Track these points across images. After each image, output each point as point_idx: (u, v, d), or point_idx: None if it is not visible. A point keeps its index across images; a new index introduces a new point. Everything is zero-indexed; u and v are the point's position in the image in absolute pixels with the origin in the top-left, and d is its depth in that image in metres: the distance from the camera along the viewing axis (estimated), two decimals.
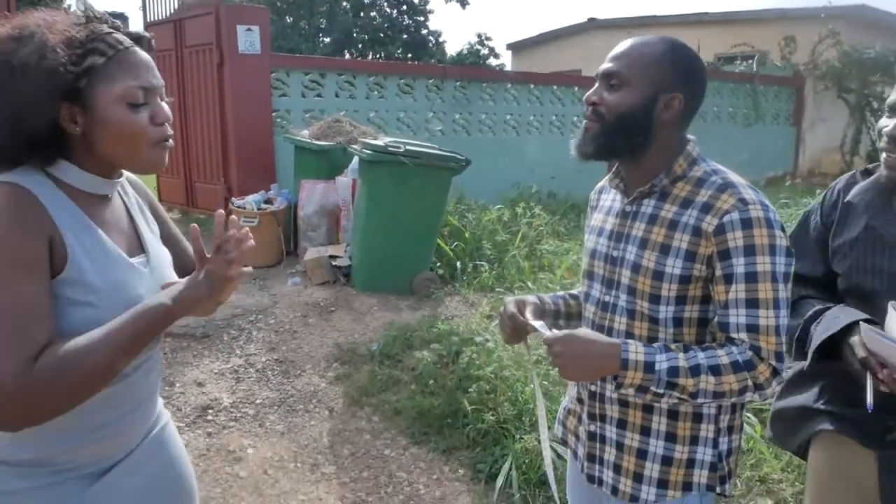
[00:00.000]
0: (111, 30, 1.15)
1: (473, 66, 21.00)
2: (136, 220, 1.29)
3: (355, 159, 5.30)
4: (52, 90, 1.07)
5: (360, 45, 24.13)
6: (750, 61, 11.40)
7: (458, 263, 5.41)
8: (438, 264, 5.45)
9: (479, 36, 26.89)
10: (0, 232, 1.02)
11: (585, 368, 1.34)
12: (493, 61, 23.82)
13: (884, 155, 1.46)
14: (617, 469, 1.47)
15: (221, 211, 1.16)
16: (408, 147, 4.86)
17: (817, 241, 1.62)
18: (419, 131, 7.71)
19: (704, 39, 13.50)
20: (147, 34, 1.23)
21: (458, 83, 7.93)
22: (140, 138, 1.15)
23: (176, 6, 7.57)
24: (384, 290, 5.05)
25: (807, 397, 1.59)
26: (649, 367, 1.29)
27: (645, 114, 1.39)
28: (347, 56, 24.36)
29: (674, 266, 1.36)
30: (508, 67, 24.80)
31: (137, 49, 1.17)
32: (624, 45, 1.43)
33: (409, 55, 24.02)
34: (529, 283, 5.01)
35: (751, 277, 1.31)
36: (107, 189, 1.20)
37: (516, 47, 23.74)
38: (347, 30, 23.00)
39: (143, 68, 1.15)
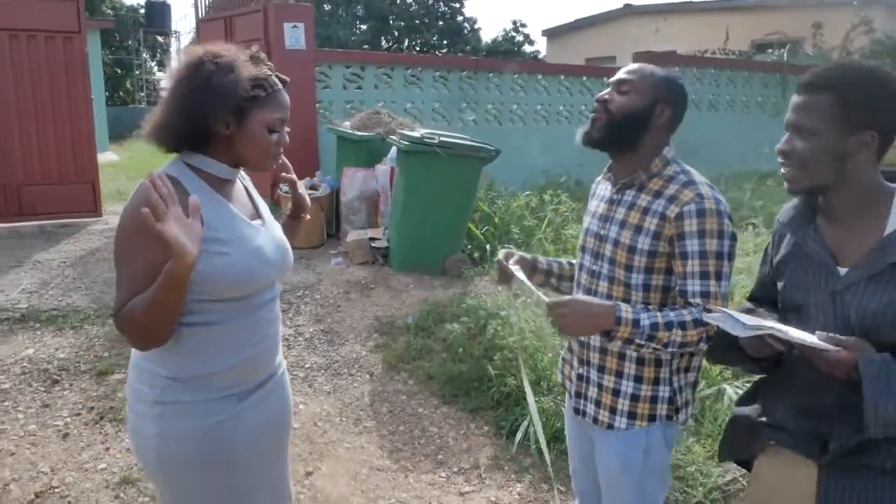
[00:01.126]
0: (270, 73, 1.61)
1: (507, 57, 21.23)
2: (252, 196, 1.76)
3: (393, 149, 5.73)
4: (230, 105, 1.53)
5: (396, 33, 24.52)
6: (781, 50, 11.52)
7: (488, 246, 5.82)
8: (469, 247, 5.87)
9: (514, 23, 27.08)
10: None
11: (585, 325, 1.72)
12: (527, 48, 24.05)
13: (781, 170, 1.54)
14: (597, 404, 1.89)
15: (195, 197, 1.49)
16: (442, 138, 5.28)
17: (769, 264, 1.70)
18: (453, 121, 8.12)
19: (738, 26, 13.62)
20: (287, 79, 1.68)
21: (490, 74, 8.31)
22: (267, 152, 1.62)
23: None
24: (419, 269, 5.49)
25: (753, 409, 1.66)
26: (636, 323, 1.69)
27: (645, 116, 1.79)
28: (384, 43, 24.80)
29: (644, 243, 1.77)
30: (543, 54, 24.99)
31: (283, 91, 1.63)
32: (633, 65, 1.84)
33: (445, 42, 24.33)
34: None
35: (703, 255, 1.71)
36: (231, 175, 1.66)
37: (551, 33, 23.86)
38: (384, 17, 23.40)
39: (284, 107, 1.62)
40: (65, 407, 3.57)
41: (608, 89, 1.85)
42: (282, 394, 1.83)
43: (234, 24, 7.58)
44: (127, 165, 12.76)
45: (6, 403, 3.56)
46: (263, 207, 1.77)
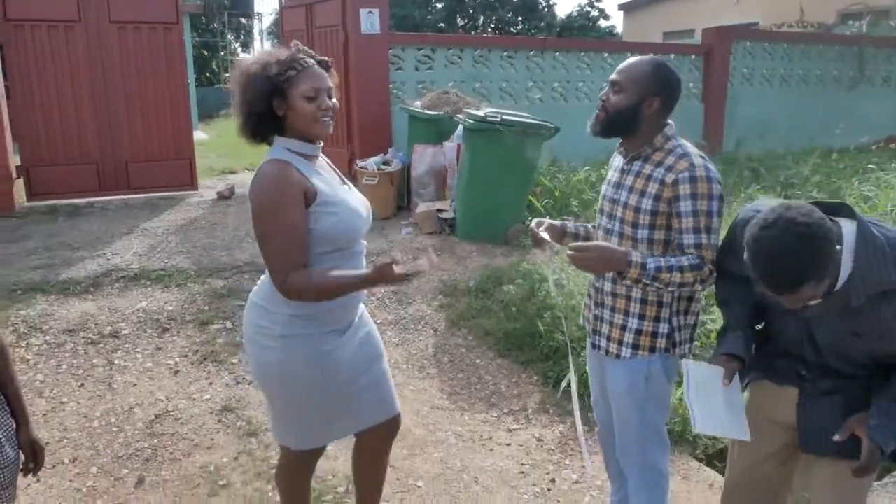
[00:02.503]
0: (303, 55, 2.03)
1: (581, 33, 21.17)
2: (333, 167, 2.21)
3: (460, 127, 6.16)
4: (270, 89, 1.95)
5: (471, 10, 24.74)
6: (861, 22, 11.26)
7: (548, 218, 6.17)
8: (530, 218, 6.24)
9: None
10: (279, 187, 1.93)
11: (603, 266, 2.11)
12: (602, 23, 23.86)
13: None
14: (608, 338, 2.29)
15: (433, 257, 2.03)
16: (504, 117, 5.66)
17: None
18: (520, 99, 8.45)
19: None
20: (328, 59, 2.11)
21: (556, 54, 8.59)
22: (314, 118, 2.02)
23: None
24: (482, 239, 5.92)
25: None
26: (644, 266, 2.07)
27: (634, 110, 2.16)
28: (459, 21, 25.09)
29: (646, 204, 2.14)
30: (620, 29, 24.76)
31: (316, 66, 2.03)
32: (624, 64, 2.21)
33: (520, 18, 24.40)
34: None
35: (695, 214, 2.08)
36: (314, 151, 2.09)
37: (628, 7, 23.56)
38: None
39: (317, 77, 2.01)
40: (174, 350, 4.20)
41: (607, 87, 2.23)
42: (369, 327, 2.29)
43: (315, 10, 8.12)
44: (215, 143, 13.62)
45: (127, 346, 4.21)
46: (344, 177, 2.21)
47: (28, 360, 3.98)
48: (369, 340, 2.26)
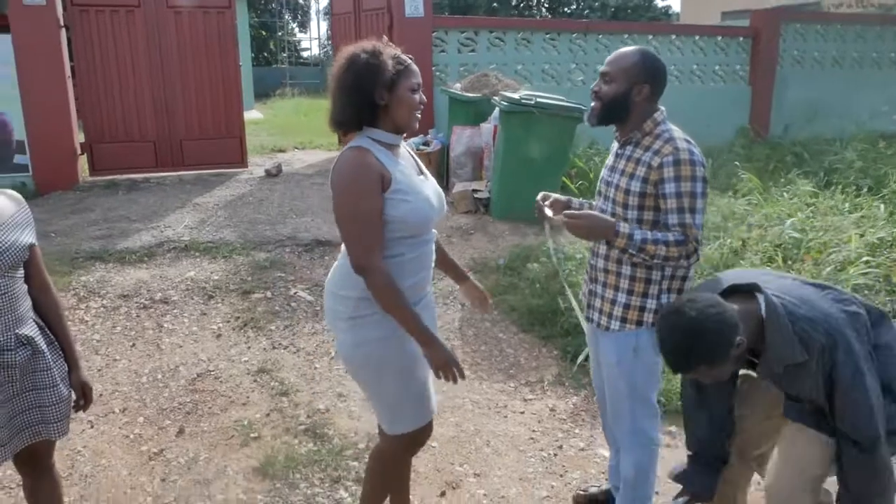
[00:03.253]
0: (401, 55, 2.14)
1: (636, 13, 20.88)
2: (414, 157, 2.32)
3: (497, 109, 6.31)
4: (386, 80, 2.07)
5: None
6: None
7: (581, 199, 6.30)
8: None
9: None
10: (359, 173, 2.02)
11: (593, 233, 2.28)
12: (658, 2, 23.41)
13: None
14: (600, 312, 2.46)
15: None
16: (539, 99, 5.80)
17: None
18: (562, 82, 8.53)
19: None
20: (412, 57, 2.18)
21: (599, 36, 8.62)
22: (413, 108, 2.16)
23: None
24: (515, 219, 6.09)
25: None
26: (630, 237, 2.23)
27: (625, 98, 2.32)
28: (513, 1, 24.99)
29: (635, 186, 2.30)
30: (678, 10, 24.29)
31: (413, 65, 2.16)
32: (612, 55, 2.36)
33: None
34: None
35: (679, 195, 2.22)
36: (397, 141, 2.18)
37: None
38: None
39: (417, 74, 2.16)
40: (218, 315, 4.52)
41: (598, 79, 2.38)
42: (431, 305, 2.39)
43: None
44: (269, 123, 14.03)
45: (175, 311, 4.55)
46: (422, 166, 2.32)
47: (86, 322, 4.35)
48: (433, 321, 2.36)
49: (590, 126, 2.47)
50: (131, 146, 7.56)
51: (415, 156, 2.33)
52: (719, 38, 9.30)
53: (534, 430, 3.51)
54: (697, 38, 9.25)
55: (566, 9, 23.83)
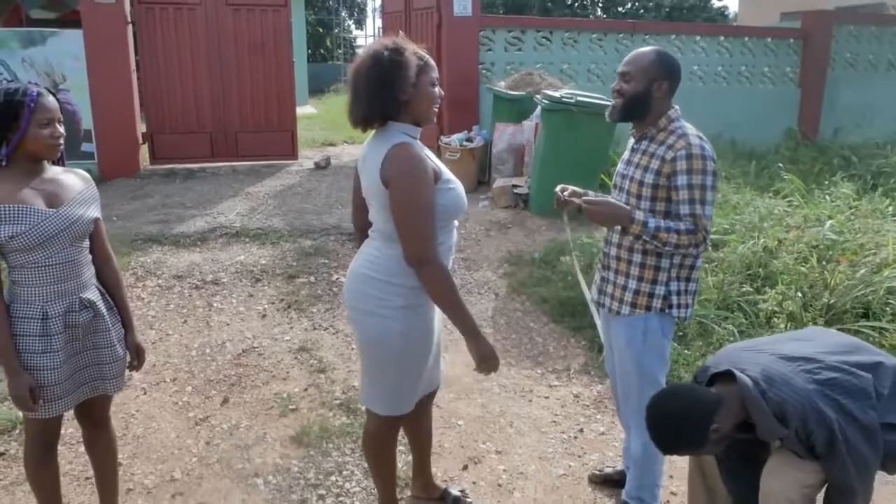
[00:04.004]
0: (420, 50, 2.26)
1: (691, 14, 20.62)
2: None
3: (539, 107, 6.44)
4: (412, 75, 2.17)
5: None
6: None
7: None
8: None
9: None
10: (420, 167, 2.09)
11: (610, 219, 2.43)
12: (715, 3, 23.06)
13: None
14: (612, 297, 2.60)
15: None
16: (578, 98, 5.91)
17: None
18: (608, 81, 8.57)
19: None
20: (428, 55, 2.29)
21: (646, 36, 8.65)
22: (433, 101, 2.28)
23: None
24: (553, 214, 6.20)
25: None
26: (645, 224, 2.37)
27: (646, 94, 2.45)
28: (569, 1, 24.94)
29: (648, 178, 2.43)
30: (735, 9, 23.88)
31: (431, 60, 2.27)
32: (630, 56, 2.50)
33: None
34: None
35: (690, 187, 2.35)
36: (417, 134, 2.22)
37: None
38: None
39: (435, 69, 2.28)
40: (264, 297, 4.78)
41: (618, 79, 2.51)
42: None
43: None
44: (323, 118, 14.40)
45: (224, 292, 4.83)
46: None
47: (143, 299, 4.66)
48: (439, 317, 2.45)
49: (611, 121, 2.61)
50: (189, 137, 7.94)
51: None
52: (769, 39, 9.21)
53: (556, 414, 3.65)
54: (746, 39, 9.19)
55: (620, 8, 23.68)
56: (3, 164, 2.16)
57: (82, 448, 2.92)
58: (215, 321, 4.45)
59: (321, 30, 30.99)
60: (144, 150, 7.93)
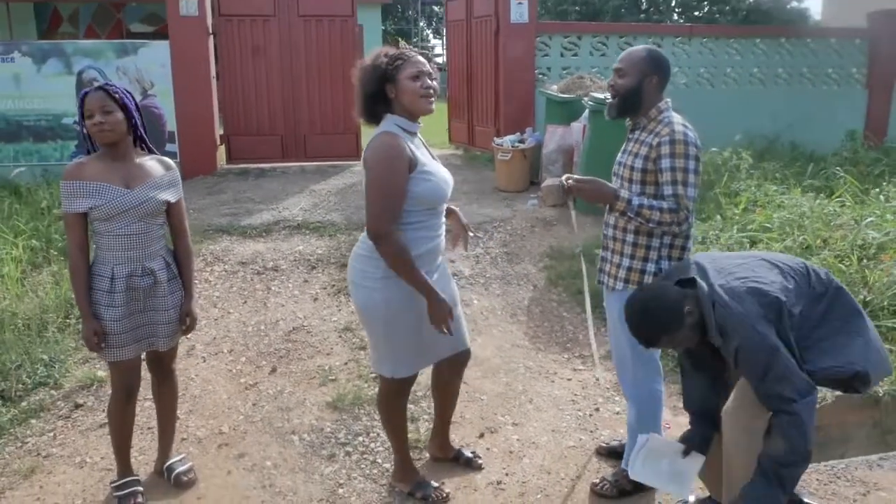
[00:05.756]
0: (407, 49, 2.61)
1: (768, 16, 20.13)
2: (426, 146, 2.75)
3: (587, 109, 6.64)
4: (381, 75, 2.52)
5: None
6: None
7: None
8: None
9: None
10: (391, 154, 2.42)
11: (597, 196, 2.67)
12: (795, 3, 22.42)
13: None
14: (608, 274, 2.84)
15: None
16: None
17: None
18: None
19: None
20: (426, 52, 2.67)
21: (704, 40, 8.69)
22: (415, 94, 2.57)
23: None
24: (598, 212, 6.37)
25: None
26: (629, 201, 2.60)
27: (638, 89, 2.69)
28: (644, 4, 24.74)
29: (637, 163, 2.67)
30: (819, 10, 23.15)
31: (419, 56, 2.60)
32: (624, 53, 2.74)
33: (706, 2, 23.57)
34: (719, 216, 5.96)
35: (674, 169, 2.58)
36: (414, 128, 2.63)
37: None
38: None
39: (420, 63, 2.57)
40: (317, 283, 5.19)
41: (613, 75, 2.75)
42: (448, 274, 2.83)
43: (473, 2, 8.88)
44: None
45: (282, 277, 5.27)
46: (433, 153, 2.76)
47: (210, 281, 5.15)
48: (447, 289, 2.72)
49: (610, 119, 2.85)
50: (262, 139, 8.51)
51: (426, 145, 2.75)
52: (833, 39, 9.07)
53: (576, 394, 3.88)
54: (809, 40, 9.07)
55: (696, 13, 23.32)
56: (93, 149, 2.69)
57: (147, 403, 3.37)
58: (272, 302, 4.89)
59: (400, 39, 31.65)
60: (221, 151, 8.55)
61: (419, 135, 2.70)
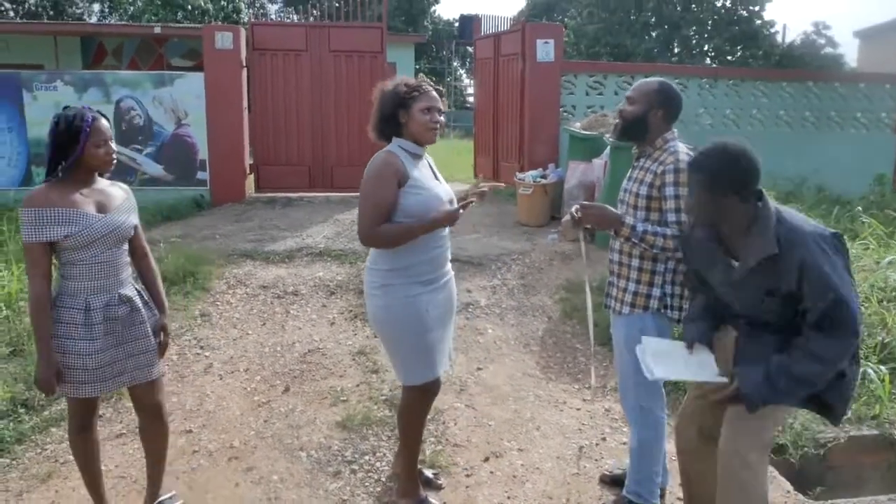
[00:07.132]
0: (424, 83, 2.79)
1: (801, 62, 20.17)
2: (433, 168, 2.92)
3: (608, 146, 6.73)
4: (398, 102, 2.71)
5: (687, 39, 24.50)
6: None
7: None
8: None
9: (816, 25, 25.25)
10: (382, 169, 2.64)
11: (602, 222, 2.75)
12: (829, 51, 22.42)
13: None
14: (614, 299, 2.89)
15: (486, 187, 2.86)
16: None
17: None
18: (689, 125, 8.71)
19: None
20: (441, 89, 2.84)
21: (730, 82, 8.76)
22: (424, 125, 2.76)
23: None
24: None
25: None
26: (633, 227, 2.67)
27: (644, 118, 2.77)
28: (676, 48, 24.98)
29: (643, 191, 2.74)
30: (854, 56, 23.11)
31: (432, 91, 2.79)
32: (637, 83, 2.83)
33: (739, 47, 23.73)
34: None
35: (678, 198, 2.64)
36: (419, 151, 2.81)
37: (865, 35, 21.98)
38: (675, 23, 23.59)
39: (433, 98, 2.77)
40: (335, 308, 5.29)
41: (623, 101, 2.84)
42: (450, 287, 2.92)
43: (501, 40, 9.11)
44: None
45: (301, 301, 5.38)
46: (440, 175, 2.92)
47: (231, 303, 5.28)
48: (449, 298, 2.92)
49: (614, 140, 2.93)
50: (290, 169, 8.75)
51: (433, 166, 2.91)
52: (862, 84, 9.07)
53: (583, 424, 3.89)
54: (838, 85, 9.09)
55: (729, 57, 23.46)
56: (60, 176, 2.52)
57: (136, 445, 3.44)
58: (290, 325, 4.99)
59: (433, 78, 32.25)
60: (250, 180, 8.78)
61: (426, 157, 2.85)
